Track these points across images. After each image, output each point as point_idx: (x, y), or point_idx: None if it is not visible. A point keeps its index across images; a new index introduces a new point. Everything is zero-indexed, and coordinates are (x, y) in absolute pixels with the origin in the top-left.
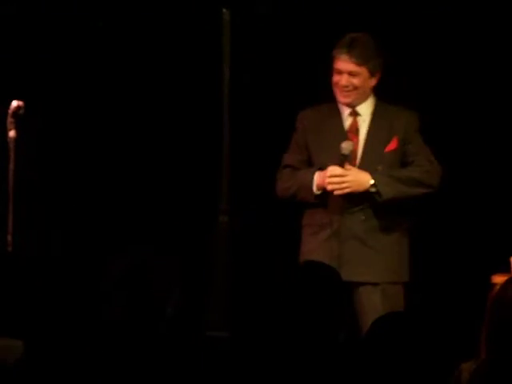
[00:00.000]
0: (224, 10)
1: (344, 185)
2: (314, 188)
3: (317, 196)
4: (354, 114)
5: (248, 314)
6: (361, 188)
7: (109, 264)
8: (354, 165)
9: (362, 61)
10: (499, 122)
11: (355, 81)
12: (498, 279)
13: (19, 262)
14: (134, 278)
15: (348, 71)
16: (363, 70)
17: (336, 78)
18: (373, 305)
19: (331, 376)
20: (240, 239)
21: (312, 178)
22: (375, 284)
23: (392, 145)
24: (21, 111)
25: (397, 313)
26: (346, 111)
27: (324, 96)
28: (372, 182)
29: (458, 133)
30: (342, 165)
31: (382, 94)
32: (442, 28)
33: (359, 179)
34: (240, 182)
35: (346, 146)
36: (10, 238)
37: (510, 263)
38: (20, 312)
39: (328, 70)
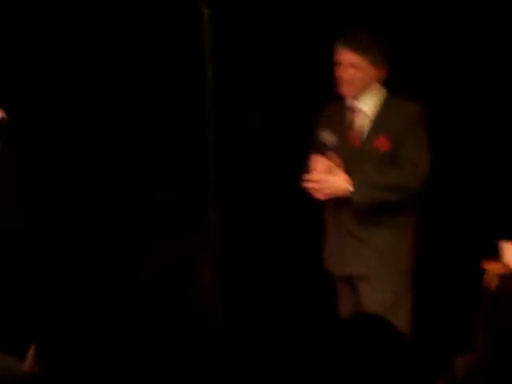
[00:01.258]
0: (204, 6)
1: (325, 191)
2: None
3: None
4: (356, 109)
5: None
6: (339, 193)
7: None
8: (341, 158)
9: (360, 50)
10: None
11: (355, 72)
12: (490, 266)
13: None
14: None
15: (348, 62)
16: (362, 61)
17: (337, 69)
18: (365, 299)
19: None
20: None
21: None
22: (368, 277)
23: (383, 144)
24: (3, 122)
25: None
26: (350, 106)
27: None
28: (351, 189)
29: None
30: (324, 154)
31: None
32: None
33: (339, 185)
34: (229, 177)
35: (325, 136)
36: None
37: (499, 248)
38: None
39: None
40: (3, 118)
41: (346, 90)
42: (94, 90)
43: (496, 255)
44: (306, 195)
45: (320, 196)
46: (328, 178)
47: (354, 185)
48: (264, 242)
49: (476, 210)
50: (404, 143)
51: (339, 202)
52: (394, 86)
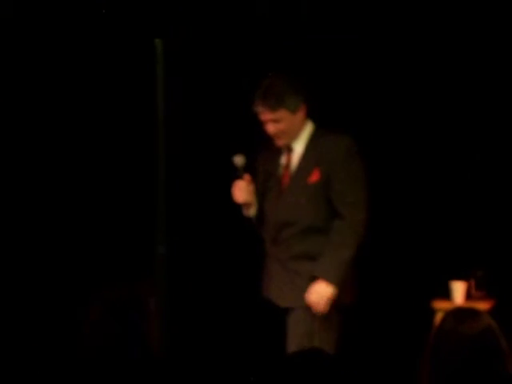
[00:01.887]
0: (157, 40)
1: (320, 307)
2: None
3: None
4: (289, 150)
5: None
6: (330, 297)
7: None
8: (280, 194)
9: (276, 106)
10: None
11: (280, 126)
12: (439, 305)
13: None
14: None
15: (269, 119)
16: (282, 113)
17: (264, 127)
18: (291, 330)
19: None
20: (177, 270)
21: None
22: (296, 308)
23: (314, 177)
24: None
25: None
26: (285, 147)
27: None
28: (332, 290)
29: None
30: (240, 177)
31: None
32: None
33: (321, 294)
34: (177, 211)
35: (237, 159)
36: None
37: (449, 287)
38: None
39: None
40: None
41: (279, 142)
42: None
43: (446, 294)
44: (247, 229)
45: (322, 311)
46: (310, 293)
47: (332, 281)
48: (209, 273)
49: (427, 250)
50: (337, 177)
51: (275, 239)
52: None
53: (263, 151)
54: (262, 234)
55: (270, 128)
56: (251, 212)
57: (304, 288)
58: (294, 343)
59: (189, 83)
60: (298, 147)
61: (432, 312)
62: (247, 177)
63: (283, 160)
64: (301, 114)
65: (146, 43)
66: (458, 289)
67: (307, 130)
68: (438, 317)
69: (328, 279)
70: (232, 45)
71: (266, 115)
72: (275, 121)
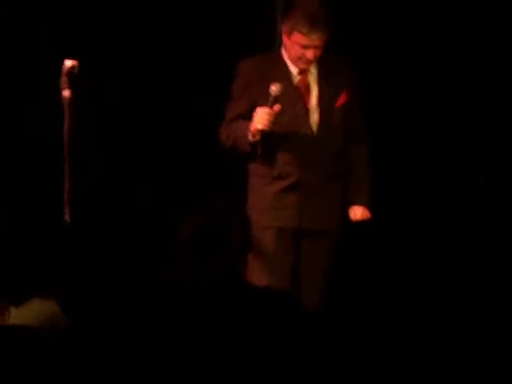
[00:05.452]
0: None
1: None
2: (250, 136)
3: (252, 144)
4: (305, 70)
5: None
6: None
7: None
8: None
9: (329, 32)
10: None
11: (318, 52)
12: None
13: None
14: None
15: (315, 46)
16: (326, 40)
17: (300, 51)
18: (321, 252)
19: None
20: None
21: (247, 127)
22: (329, 232)
23: (342, 99)
24: (75, 71)
25: None
26: (295, 68)
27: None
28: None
29: None
30: (271, 106)
31: None
32: None
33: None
34: None
35: (275, 88)
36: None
37: None
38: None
39: None
40: (74, 66)
41: (307, 66)
42: None
43: None
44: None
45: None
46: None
47: (367, 204)
48: None
49: None
50: (357, 99)
51: (301, 158)
52: None
53: (250, 63)
54: (267, 158)
55: (310, 54)
56: (257, 138)
57: (334, 210)
58: (323, 262)
59: None
60: (313, 69)
61: None
62: (278, 107)
63: (296, 81)
64: None
65: None
66: None
67: None
68: None
69: (367, 205)
70: None
71: (315, 41)
72: (317, 47)
